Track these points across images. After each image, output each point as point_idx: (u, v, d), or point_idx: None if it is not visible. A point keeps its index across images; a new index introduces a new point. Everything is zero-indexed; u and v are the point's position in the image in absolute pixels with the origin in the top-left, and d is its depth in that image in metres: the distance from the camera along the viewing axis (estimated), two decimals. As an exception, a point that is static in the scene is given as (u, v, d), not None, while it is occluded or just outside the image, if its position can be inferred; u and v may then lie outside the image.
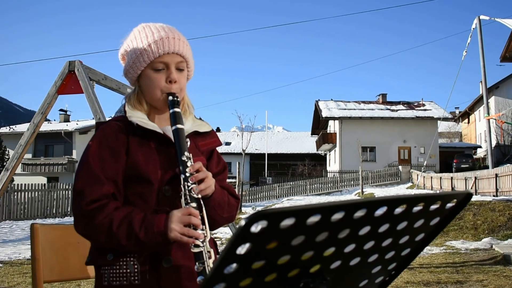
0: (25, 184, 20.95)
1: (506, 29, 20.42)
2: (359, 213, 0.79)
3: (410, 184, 32.35)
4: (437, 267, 7.39)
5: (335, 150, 43.82)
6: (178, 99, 1.61)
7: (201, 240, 1.42)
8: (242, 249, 0.72)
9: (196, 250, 1.40)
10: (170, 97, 1.60)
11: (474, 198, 14.54)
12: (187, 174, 1.48)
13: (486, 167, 25.69)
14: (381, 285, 1.12)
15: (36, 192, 20.95)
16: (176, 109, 1.59)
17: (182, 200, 1.48)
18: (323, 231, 0.79)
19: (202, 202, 1.48)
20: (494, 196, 16.87)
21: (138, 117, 1.60)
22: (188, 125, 1.68)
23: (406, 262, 1.07)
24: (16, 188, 20.50)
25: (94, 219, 1.44)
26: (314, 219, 0.74)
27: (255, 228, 0.70)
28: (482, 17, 20.77)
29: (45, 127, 37.64)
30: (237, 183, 22.65)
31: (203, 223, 1.44)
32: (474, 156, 41.36)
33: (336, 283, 0.95)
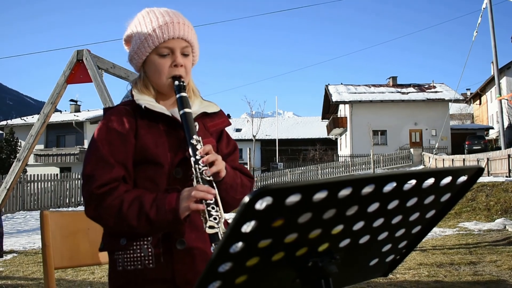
0: (37, 175, 21.09)
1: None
2: (367, 189, 0.77)
3: (422, 167, 32.19)
4: (450, 248, 7.36)
5: (346, 134, 43.62)
6: (184, 84, 1.60)
7: (214, 217, 1.39)
8: (247, 227, 0.71)
9: (211, 231, 1.38)
10: (176, 82, 1.59)
11: (487, 179, 14.43)
12: (198, 157, 1.47)
13: (499, 148, 25.48)
14: (391, 264, 1.10)
15: (49, 182, 21.09)
16: (183, 94, 1.58)
17: (194, 182, 1.47)
18: (331, 208, 0.77)
19: (214, 185, 1.46)
20: (507, 177, 16.72)
21: (146, 100, 1.59)
22: (196, 107, 1.67)
23: (416, 240, 1.05)
24: (28, 178, 20.66)
25: (104, 202, 1.44)
26: (320, 195, 0.72)
27: (260, 205, 0.68)
28: (493, -4, 20.44)
29: (56, 117, 37.93)
30: (248, 169, 22.67)
31: (217, 205, 1.42)
32: (486, 138, 41.03)
33: (346, 262, 0.94)
